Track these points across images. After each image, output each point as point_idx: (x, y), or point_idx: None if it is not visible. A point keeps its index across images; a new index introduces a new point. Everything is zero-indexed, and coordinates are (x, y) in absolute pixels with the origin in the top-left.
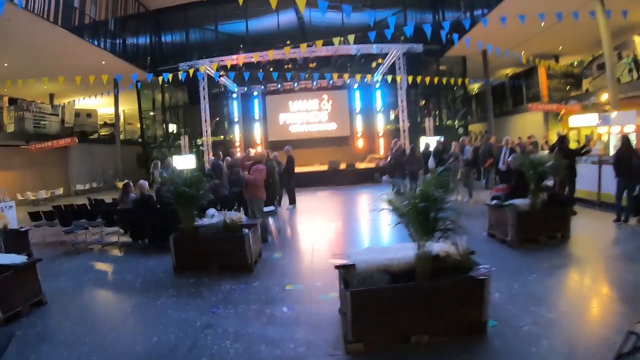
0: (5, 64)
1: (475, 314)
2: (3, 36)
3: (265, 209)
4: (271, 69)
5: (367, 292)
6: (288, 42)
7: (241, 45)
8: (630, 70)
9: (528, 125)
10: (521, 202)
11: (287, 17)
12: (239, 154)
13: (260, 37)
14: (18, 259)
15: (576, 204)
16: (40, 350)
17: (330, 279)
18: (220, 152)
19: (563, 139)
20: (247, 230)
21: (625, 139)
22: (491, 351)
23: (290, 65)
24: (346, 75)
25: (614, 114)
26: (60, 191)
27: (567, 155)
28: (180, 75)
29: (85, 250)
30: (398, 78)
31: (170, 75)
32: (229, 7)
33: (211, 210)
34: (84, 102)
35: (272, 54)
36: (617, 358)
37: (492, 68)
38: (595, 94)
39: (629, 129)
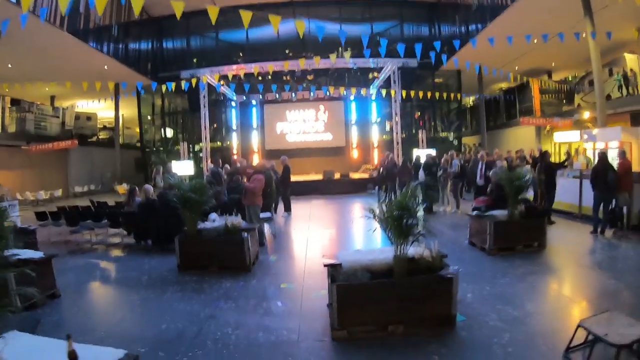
0: (9, 65)
1: (445, 308)
2: (9, 38)
3: (262, 215)
4: (269, 77)
5: (351, 286)
6: (287, 51)
7: (240, 54)
8: (620, 87)
9: (520, 139)
10: (500, 213)
11: (286, 27)
12: (239, 163)
13: (260, 46)
14: (36, 254)
15: (557, 216)
16: (58, 337)
17: (320, 279)
18: (220, 160)
19: (544, 154)
20: (246, 234)
21: (601, 155)
22: (458, 341)
23: (288, 77)
24: (342, 89)
25: (595, 131)
26: (59, 192)
27: (547, 169)
28: (183, 85)
29: (90, 250)
30: (392, 92)
31: (173, 85)
32: (230, 16)
33: (213, 215)
34: (84, 106)
35: (271, 68)
36: (568, 349)
37: (487, 82)
38: (578, 112)
39: (613, 144)
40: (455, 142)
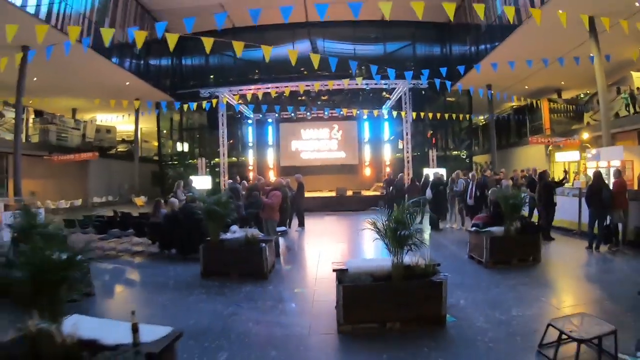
0: (35, 79)
1: (436, 309)
2: (37, 56)
3: (278, 229)
4: (285, 95)
5: (355, 287)
6: (302, 69)
7: (257, 70)
8: (627, 105)
9: (531, 158)
10: (497, 229)
11: (302, 46)
12: (257, 181)
13: (276, 64)
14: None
15: (557, 232)
16: None
17: (330, 286)
18: (238, 177)
19: (542, 174)
20: (264, 245)
21: (596, 174)
22: (446, 337)
23: (304, 97)
24: (354, 111)
25: (593, 151)
26: (79, 202)
27: (546, 188)
28: (205, 105)
29: (116, 257)
30: (403, 113)
31: (195, 105)
32: (248, 37)
33: (234, 227)
34: (103, 118)
35: (288, 91)
36: (540, 345)
37: (498, 100)
38: (578, 132)
39: (615, 163)
40: (467, 161)
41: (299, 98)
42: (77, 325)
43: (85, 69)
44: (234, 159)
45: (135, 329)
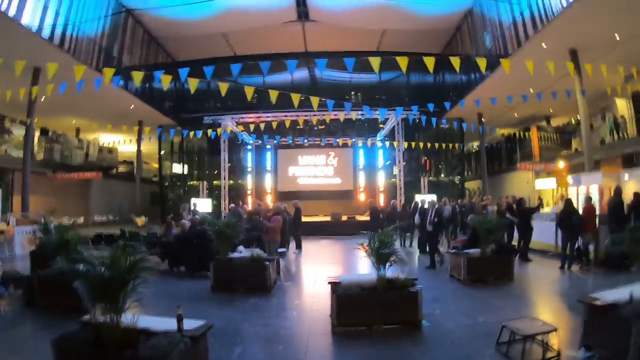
0: (42, 99)
1: (413, 315)
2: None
3: (279, 250)
4: (285, 121)
5: (346, 296)
6: (301, 97)
7: (256, 95)
8: (611, 131)
9: (521, 183)
10: (474, 251)
11: (300, 74)
12: (258, 206)
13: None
14: None
15: (535, 254)
16: None
17: (325, 299)
18: (240, 201)
19: (520, 201)
20: (267, 263)
21: (567, 201)
22: (422, 337)
23: (302, 126)
24: (349, 142)
25: (570, 179)
26: (81, 220)
27: (522, 214)
28: (210, 134)
29: None
30: (395, 143)
31: (201, 133)
32: (249, 65)
33: (240, 247)
34: (106, 139)
35: (288, 123)
36: (497, 343)
37: (491, 127)
38: (553, 161)
39: (594, 189)
40: (460, 186)
41: (297, 127)
42: (134, 318)
43: (91, 91)
44: (231, 181)
45: (180, 319)
